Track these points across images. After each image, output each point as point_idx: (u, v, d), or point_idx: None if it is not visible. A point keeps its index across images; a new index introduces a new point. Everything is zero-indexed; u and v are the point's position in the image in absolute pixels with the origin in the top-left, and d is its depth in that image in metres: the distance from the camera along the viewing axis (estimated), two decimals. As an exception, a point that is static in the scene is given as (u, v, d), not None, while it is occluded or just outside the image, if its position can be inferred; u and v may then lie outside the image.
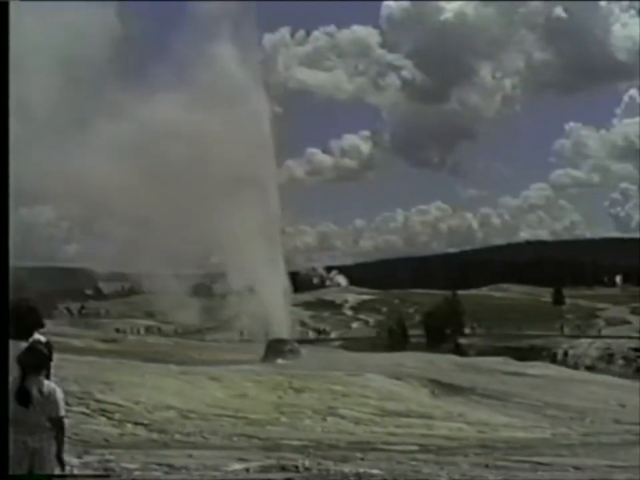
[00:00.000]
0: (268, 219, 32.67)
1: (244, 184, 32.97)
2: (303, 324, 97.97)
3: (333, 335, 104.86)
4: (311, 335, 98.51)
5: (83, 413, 10.34)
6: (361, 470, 6.57)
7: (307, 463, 6.89)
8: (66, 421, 4.06)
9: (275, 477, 6.39)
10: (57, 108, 30.60)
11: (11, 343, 3.98)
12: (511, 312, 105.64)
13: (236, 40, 34.21)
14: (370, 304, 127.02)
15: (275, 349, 26.63)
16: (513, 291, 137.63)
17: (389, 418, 12.66)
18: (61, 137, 31.70)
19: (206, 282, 49.26)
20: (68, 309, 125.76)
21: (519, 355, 45.05)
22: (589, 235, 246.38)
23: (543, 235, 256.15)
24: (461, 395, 16.45)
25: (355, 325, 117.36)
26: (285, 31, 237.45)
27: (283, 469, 6.68)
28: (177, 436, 9.59)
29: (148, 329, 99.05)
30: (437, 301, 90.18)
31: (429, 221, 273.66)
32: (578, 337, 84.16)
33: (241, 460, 7.04)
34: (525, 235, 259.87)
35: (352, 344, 77.18)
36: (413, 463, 7.46)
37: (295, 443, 9.32)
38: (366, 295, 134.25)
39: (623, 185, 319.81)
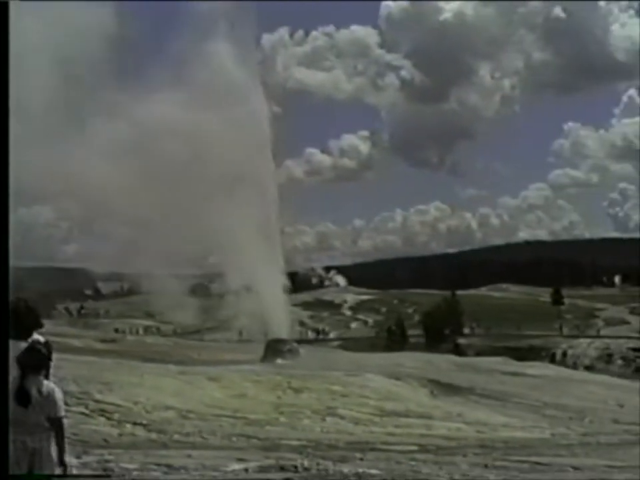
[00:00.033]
0: (267, 218, 32.65)
1: (243, 184, 32.95)
2: (302, 324, 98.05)
3: (331, 335, 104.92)
4: (310, 335, 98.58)
5: (82, 413, 10.34)
6: (360, 470, 6.57)
7: (305, 463, 6.89)
8: (65, 421, 4.06)
9: (274, 477, 6.39)
10: (54, 108, 30.57)
11: (10, 343, 3.98)
12: (510, 312, 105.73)
13: (235, 39, 34.19)
14: (369, 304, 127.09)
15: (274, 349, 26.60)
16: (512, 291, 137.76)
17: (388, 418, 12.65)
18: (59, 136, 31.67)
19: (205, 282, 49.28)
20: (67, 309, 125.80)
21: (518, 355, 45.06)
22: (587, 235, 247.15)
23: (542, 235, 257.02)
24: (459, 395, 16.45)
25: (353, 325, 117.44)
26: (283, 31, 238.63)
27: (282, 469, 6.69)
28: (176, 436, 9.59)
29: (147, 329, 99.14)
30: (435, 301, 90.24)
31: (428, 221, 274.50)
32: (577, 337, 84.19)
33: (239, 460, 7.04)
34: (523, 235, 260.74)
35: (351, 344, 77.26)
36: (412, 463, 7.46)
37: (294, 443, 9.31)
38: (365, 295, 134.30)
39: (622, 185, 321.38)
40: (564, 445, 10.48)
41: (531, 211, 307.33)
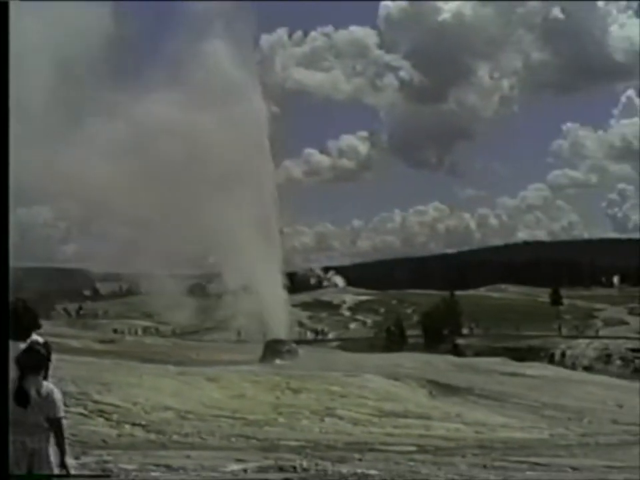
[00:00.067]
0: (266, 219, 32.62)
1: (242, 184, 32.93)
2: (300, 324, 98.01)
3: (330, 336, 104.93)
4: (309, 335, 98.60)
5: (81, 414, 10.34)
6: (359, 470, 6.58)
7: (304, 464, 6.90)
8: (64, 421, 4.06)
9: (273, 477, 6.39)
10: (52, 107, 30.57)
11: (9, 344, 3.98)
12: (509, 312, 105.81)
13: (233, 40, 34.18)
14: (367, 304, 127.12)
15: (273, 349, 26.58)
16: (511, 292, 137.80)
17: (387, 418, 12.66)
18: (57, 136, 31.68)
19: (203, 282, 49.24)
20: (66, 310, 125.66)
21: (517, 355, 45.09)
22: (586, 235, 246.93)
23: (541, 235, 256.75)
24: (458, 395, 16.44)
25: (352, 325, 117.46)
26: (282, 32, 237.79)
27: (281, 469, 6.69)
28: (175, 437, 9.59)
29: (145, 330, 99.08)
30: (434, 301, 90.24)
31: (427, 221, 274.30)
32: (576, 337, 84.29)
33: (238, 460, 7.05)
34: (522, 235, 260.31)
35: (350, 344, 77.32)
36: (411, 463, 7.47)
37: (293, 443, 9.32)
38: (363, 295, 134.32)
39: (621, 185, 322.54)
40: (563, 445, 10.49)
41: (529, 212, 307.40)
